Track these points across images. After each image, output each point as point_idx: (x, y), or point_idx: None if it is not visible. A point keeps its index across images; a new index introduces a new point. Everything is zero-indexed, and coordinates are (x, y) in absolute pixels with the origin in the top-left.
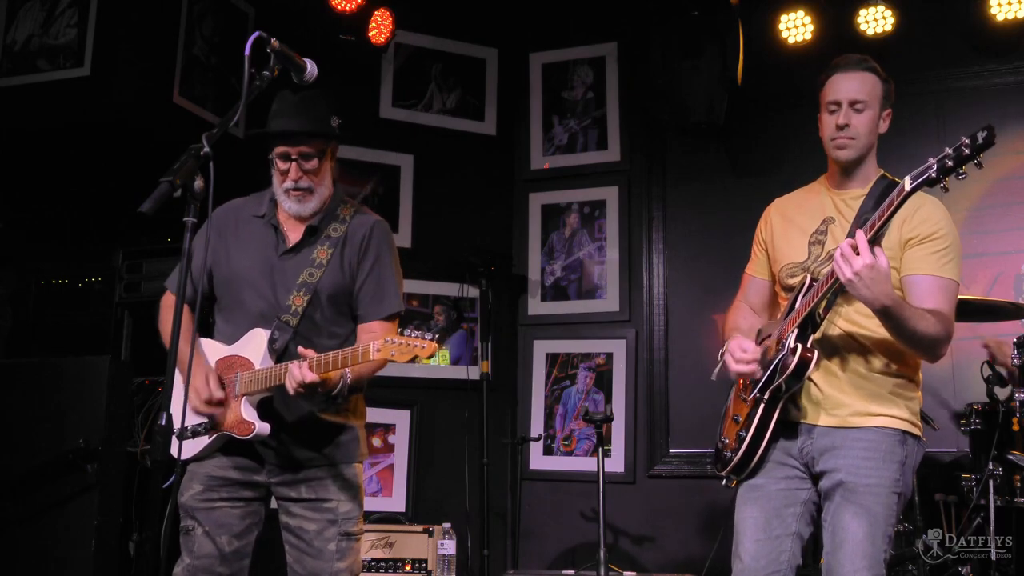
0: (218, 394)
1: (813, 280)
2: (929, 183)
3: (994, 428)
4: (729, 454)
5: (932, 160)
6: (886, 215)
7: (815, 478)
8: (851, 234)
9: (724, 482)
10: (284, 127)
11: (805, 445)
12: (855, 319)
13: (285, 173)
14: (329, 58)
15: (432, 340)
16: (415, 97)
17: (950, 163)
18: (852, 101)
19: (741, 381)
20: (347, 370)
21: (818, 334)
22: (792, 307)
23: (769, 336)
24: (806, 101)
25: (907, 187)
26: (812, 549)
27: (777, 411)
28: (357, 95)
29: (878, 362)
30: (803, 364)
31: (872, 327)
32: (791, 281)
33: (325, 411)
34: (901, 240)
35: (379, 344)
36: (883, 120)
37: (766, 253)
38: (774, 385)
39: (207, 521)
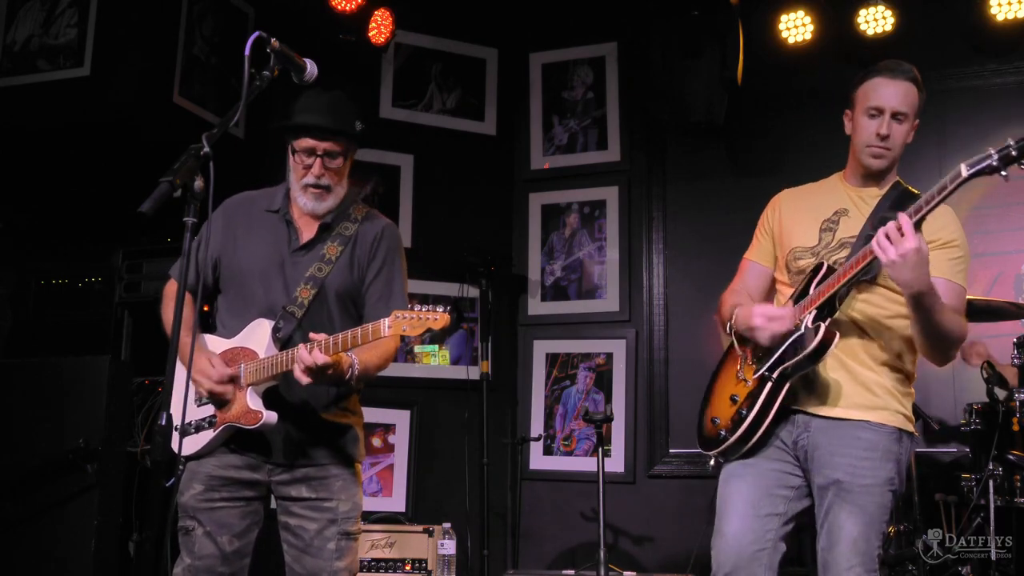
0: (225, 370)
1: (830, 268)
2: (988, 171)
3: (994, 428)
4: (724, 433)
5: (992, 150)
6: (936, 200)
7: (807, 471)
8: (865, 228)
9: (712, 463)
10: (317, 122)
11: (800, 438)
12: (866, 311)
13: (307, 168)
14: (329, 58)
15: (444, 312)
16: (415, 97)
17: (1015, 153)
18: (896, 112)
19: (739, 362)
20: (354, 357)
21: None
22: (804, 293)
23: None
24: (806, 101)
25: (964, 174)
26: (811, 549)
27: (783, 392)
28: (357, 95)
29: (882, 356)
30: (826, 343)
31: (882, 318)
32: (799, 263)
33: (327, 411)
34: None
35: (390, 320)
36: (912, 131)
37: (771, 239)
38: (787, 364)
39: (208, 521)
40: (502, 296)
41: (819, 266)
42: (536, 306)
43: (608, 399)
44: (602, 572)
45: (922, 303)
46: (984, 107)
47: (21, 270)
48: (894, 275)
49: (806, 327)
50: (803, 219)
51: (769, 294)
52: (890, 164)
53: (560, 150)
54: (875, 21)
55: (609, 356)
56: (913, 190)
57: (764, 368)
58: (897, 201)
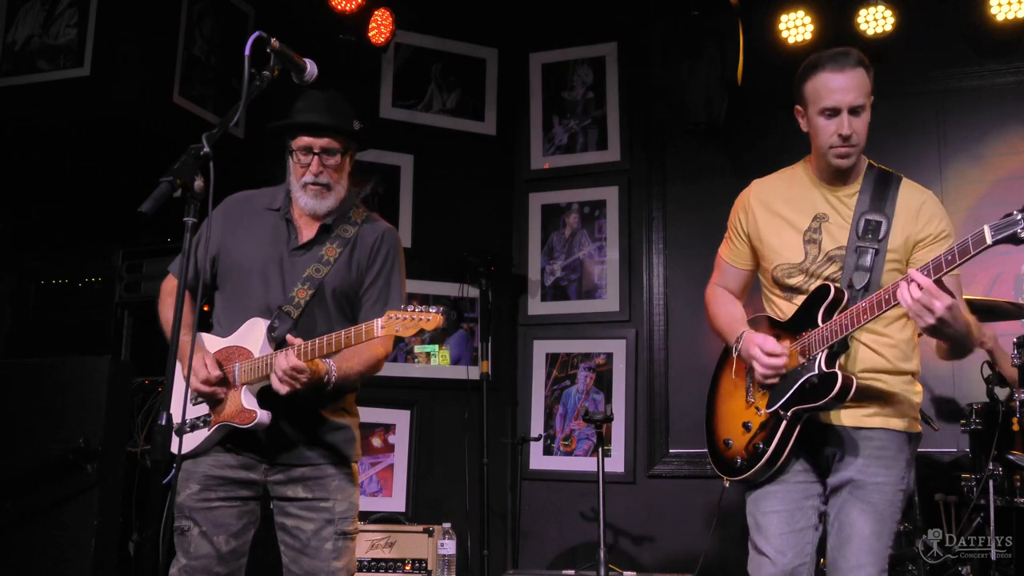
0: (215, 372)
1: (838, 292)
2: (1014, 241)
3: (994, 428)
4: (741, 462)
5: (1018, 215)
6: (957, 264)
7: (823, 473)
8: (852, 240)
9: (727, 484)
10: (312, 119)
11: (817, 445)
12: (874, 327)
13: (306, 167)
14: (329, 58)
15: (437, 312)
16: (415, 97)
17: None
18: (852, 107)
19: (745, 376)
20: (331, 364)
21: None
22: (812, 320)
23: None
24: None
25: (988, 241)
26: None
27: (799, 428)
28: (357, 95)
29: (887, 362)
30: (844, 391)
31: (882, 327)
32: (790, 281)
33: (323, 410)
34: (908, 242)
35: (383, 320)
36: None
37: (748, 245)
38: (802, 407)
39: (204, 521)
40: (502, 296)
41: (824, 289)
42: (536, 306)
43: (608, 399)
44: (602, 572)
45: (955, 340)
46: (984, 107)
47: (21, 270)
48: (933, 336)
49: (820, 369)
50: (782, 229)
51: (749, 289)
52: (858, 158)
53: (560, 150)
54: (875, 21)
55: (609, 356)
56: (885, 168)
57: (778, 405)
58: (875, 195)
